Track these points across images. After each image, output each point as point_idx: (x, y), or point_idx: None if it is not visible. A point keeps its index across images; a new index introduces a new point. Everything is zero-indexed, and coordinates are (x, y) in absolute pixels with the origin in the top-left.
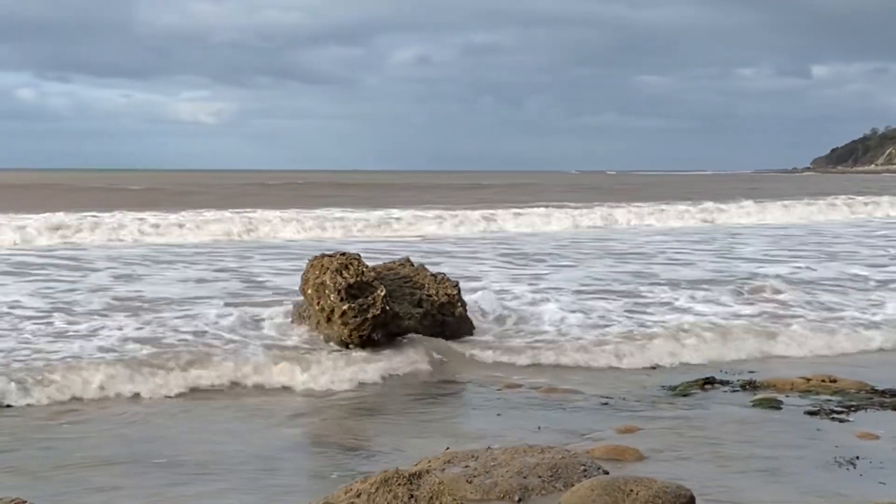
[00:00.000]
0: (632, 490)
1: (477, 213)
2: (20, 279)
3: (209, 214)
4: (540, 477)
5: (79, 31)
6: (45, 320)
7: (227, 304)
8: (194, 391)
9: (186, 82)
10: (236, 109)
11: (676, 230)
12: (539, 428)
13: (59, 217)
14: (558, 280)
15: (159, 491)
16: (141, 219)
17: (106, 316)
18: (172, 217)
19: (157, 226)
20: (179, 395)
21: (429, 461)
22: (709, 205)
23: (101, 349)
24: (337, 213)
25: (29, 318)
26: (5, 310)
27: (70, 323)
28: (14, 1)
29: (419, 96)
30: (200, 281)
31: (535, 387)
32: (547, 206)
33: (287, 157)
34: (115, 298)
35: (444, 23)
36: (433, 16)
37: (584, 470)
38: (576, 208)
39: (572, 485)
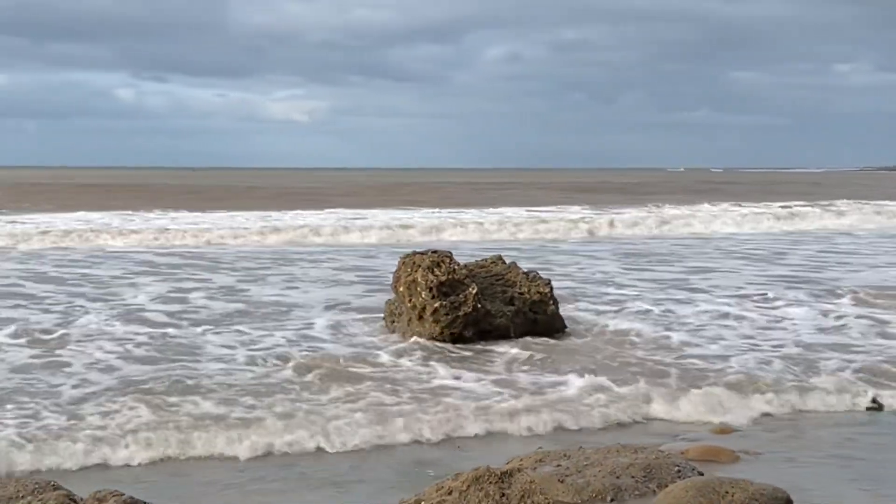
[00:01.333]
0: (727, 492)
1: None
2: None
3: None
4: (633, 477)
5: (174, 32)
6: None
7: None
8: None
9: (279, 81)
10: (328, 108)
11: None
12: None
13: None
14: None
15: None
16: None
17: None
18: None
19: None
20: None
21: (520, 460)
22: None
23: None
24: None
25: None
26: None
27: None
28: (111, 3)
29: (509, 93)
30: None
31: None
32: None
33: (377, 155)
34: None
35: (533, 20)
36: (523, 13)
37: (678, 471)
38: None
39: (666, 486)
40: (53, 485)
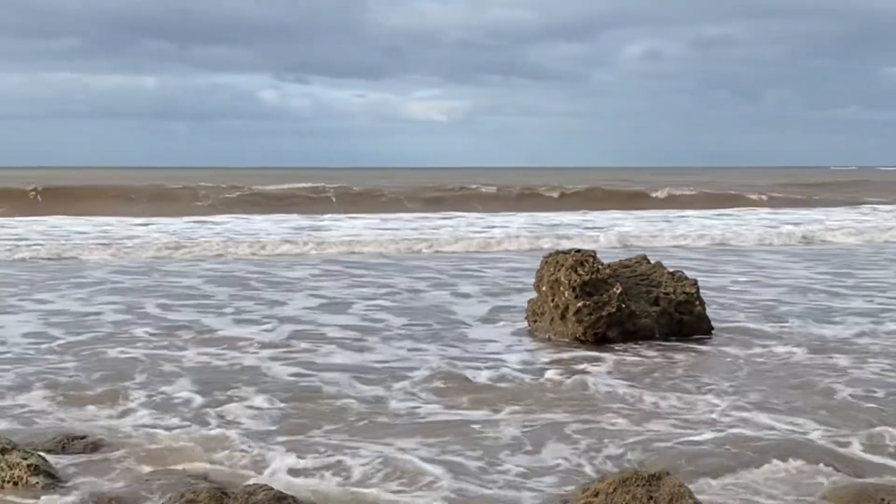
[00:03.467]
0: (882, 499)
1: None
2: None
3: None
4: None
5: (313, 34)
6: None
7: None
8: None
9: (418, 81)
10: (467, 107)
11: None
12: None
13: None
14: None
15: None
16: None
17: None
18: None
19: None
20: None
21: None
22: None
23: None
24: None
25: None
26: None
27: None
28: (253, 6)
29: (649, 91)
30: None
31: None
32: None
33: (517, 154)
34: None
35: (672, 16)
36: (661, 9)
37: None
38: None
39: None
40: (204, 477)
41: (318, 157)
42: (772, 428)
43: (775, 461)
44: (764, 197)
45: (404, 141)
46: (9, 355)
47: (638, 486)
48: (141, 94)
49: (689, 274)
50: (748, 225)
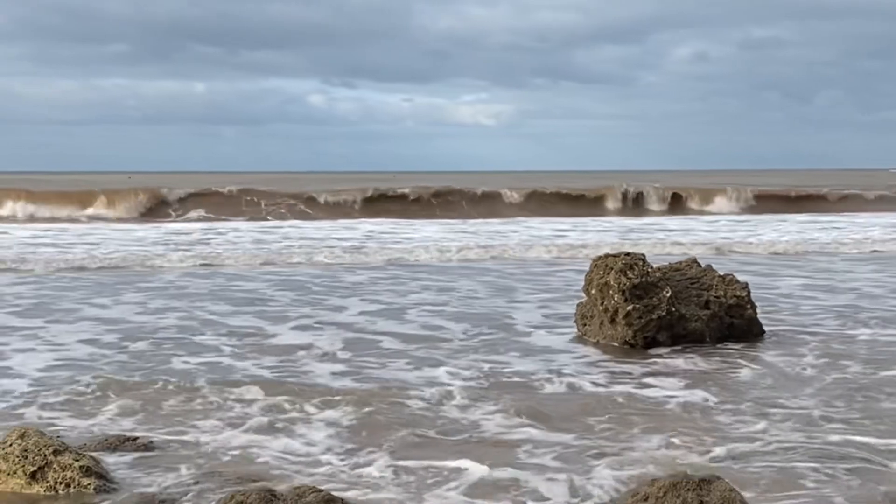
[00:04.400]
0: None
1: None
2: None
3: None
4: None
5: (360, 38)
6: None
7: None
8: None
9: (465, 85)
10: (514, 111)
11: None
12: None
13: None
14: None
15: None
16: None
17: None
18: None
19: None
20: None
21: None
22: None
23: None
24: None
25: None
26: None
27: None
28: (300, 11)
29: (698, 93)
30: None
31: None
32: None
33: (565, 158)
34: None
35: (720, 18)
36: (708, 11)
37: None
38: None
39: None
40: (253, 479)
41: (367, 160)
42: (829, 439)
43: (831, 470)
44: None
45: (452, 145)
46: (70, 357)
47: (688, 490)
48: (190, 99)
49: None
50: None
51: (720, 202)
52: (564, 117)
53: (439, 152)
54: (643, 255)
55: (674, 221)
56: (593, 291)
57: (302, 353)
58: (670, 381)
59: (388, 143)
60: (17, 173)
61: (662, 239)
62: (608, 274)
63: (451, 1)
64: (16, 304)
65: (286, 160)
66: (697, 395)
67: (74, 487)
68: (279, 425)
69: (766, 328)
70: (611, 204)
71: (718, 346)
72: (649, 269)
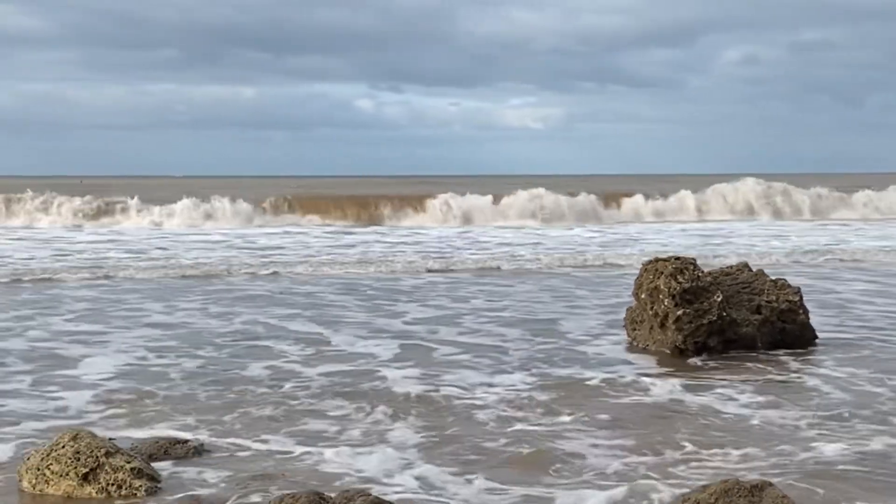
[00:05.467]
0: None
1: None
2: None
3: None
4: None
5: (406, 43)
6: None
7: None
8: None
9: (512, 89)
10: (562, 115)
11: None
12: None
13: None
14: None
15: None
16: None
17: None
18: None
19: None
20: None
21: None
22: None
23: None
24: None
25: None
26: None
27: None
28: (347, 16)
29: (747, 97)
30: None
31: None
32: None
33: (614, 162)
34: None
35: (769, 21)
36: (757, 14)
37: None
38: None
39: None
40: (303, 483)
41: (415, 165)
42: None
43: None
44: None
45: (500, 149)
46: (126, 363)
47: (740, 496)
48: (238, 103)
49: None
50: None
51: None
52: (612, 121)
53: (488, 156)
54: (694, 259)
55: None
56: (643, 296)
57: (364, 359)
58: (727, 387)
59: (437, 148)
60: (77, 178)
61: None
62: (658, 278)
63: (497, 5)
64: (73, 310)
65: (334, 165)
66: (756, 401)
67: (126, 489)
68: (335, 431)
69: (819, 334)
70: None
71: (770, 351)
72: (700, 274)
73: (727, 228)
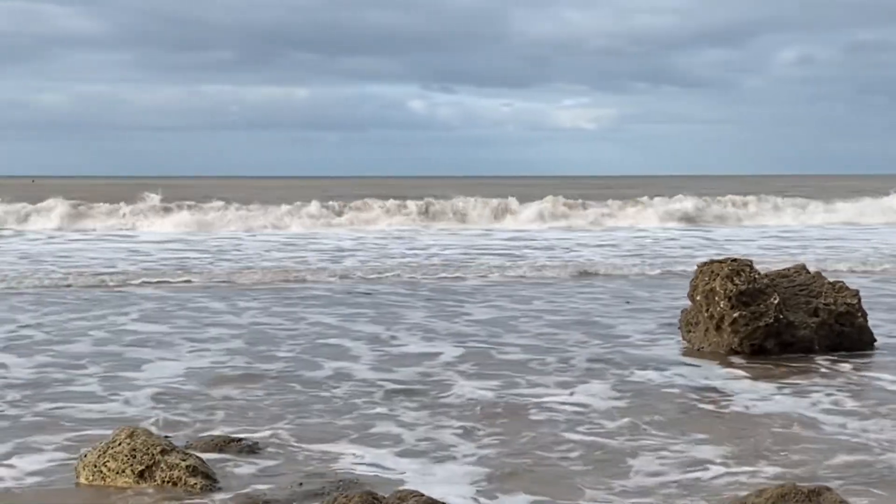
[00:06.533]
0: None
1: None
2: None
3: None
4: None
5: (458, 44)
6: None
7: None
8: None
9: (564, 90)
10: (614, 115)
11: None
12: None
13: None
14: None
15: None
16: None
17: None
18: None
19: None
20: None
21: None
22: None
23: None
24: None
25: None
26: None
27: None
28: (399, 17)
29: (802, 97)
30: None
31: None
32: None
33: (668, 163)
34: None
35: (824, 21)
36: (812, 14)
37: None
38: None
39: None
40: (356, 482)
41: (468, 165)
42: None
43: None
44: None
45: (553, 149)
46: (189, 363)
47: (797, 501)
48: (291, 104)
49: None
50: None
51: None
52: (665, 121)
53: (541, 157)
54: (750, 261)
55: None
56: (698, 298)
57: (429, 361)
58: (787, 391)
59: (489, 148)
60: (132, 178)
61: None
62: (714, 280)
63: (549, 5)
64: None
65: (387, 166)
66: (818, 405)
67: (181, 486)
68: (395, 435)
69: (878, 337)
70: None
71: (828, 354)
72: (756, 276)
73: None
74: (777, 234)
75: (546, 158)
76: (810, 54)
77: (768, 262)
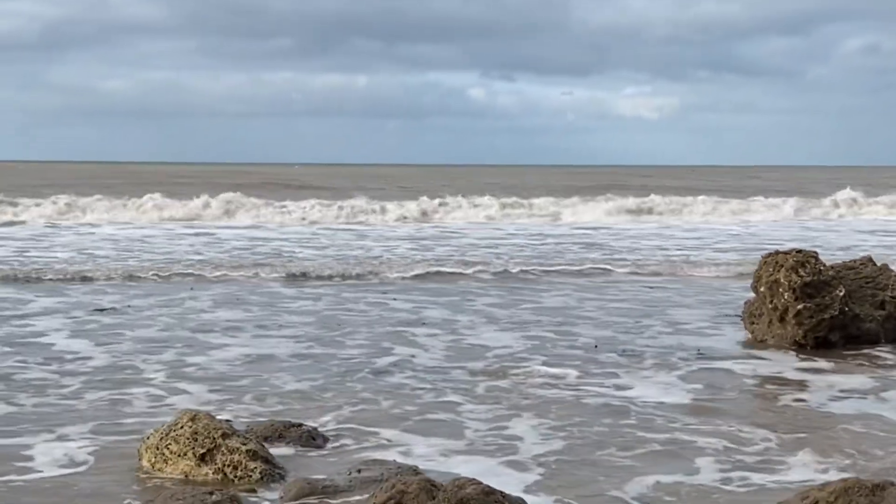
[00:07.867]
0: None
1: None
2: None
3: None
4: None
5: (518, 32)
6: None
7: None
8: None
9: (626, 78)
10: (677, 104)
11: None
12: None
13: None
14: None
15: None
16: None
17: None
18: None
19: None
20: None
21: None
22: None
23: None
24: None
25: None
26: None
27: None
28: (459, 6)
29: (869, 87)
30: None
31: None
32: None
33: (731, 153)
34: None
35: (891, 10)
36: (879, 3)
37: None
38: None
39: None
40: (415, 469)
41: (529, 154)
42: None
43: None
44: None
45: (614, 138)
46: (256, 349)
47: (860, 495)
48: (353, 92)
49: None
50: None
51: None
52: (729, 111)
53: (602, 146)
54: (815, 252)
55: None
56: (762, 289)
57: (495, 351)
58: (856, 384)
59: (550, 137)
60: (199, 164)
61: None
62: (778, 271)
63: None
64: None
65: (448, 153)
66: (889, 401)
67: (241, 470)
68: (457, 425)
69: None
70: None
71: (894, 347)
72: (822, 268)
73: None
74: None
75: (608, 147)
76: (877, 43)
77: None
